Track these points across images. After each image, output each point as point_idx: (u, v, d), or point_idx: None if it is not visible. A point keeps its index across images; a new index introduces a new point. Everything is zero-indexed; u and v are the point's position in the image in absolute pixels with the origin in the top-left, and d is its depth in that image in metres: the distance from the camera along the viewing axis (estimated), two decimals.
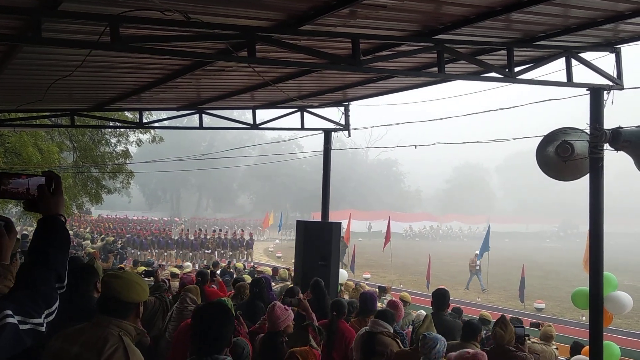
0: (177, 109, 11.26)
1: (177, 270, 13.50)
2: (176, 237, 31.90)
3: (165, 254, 29.24)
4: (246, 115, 11.40)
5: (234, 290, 9.81)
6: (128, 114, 17.12)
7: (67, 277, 2.02)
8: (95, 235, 31.10)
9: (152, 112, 16.98)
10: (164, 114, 12.47)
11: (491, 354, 5.83)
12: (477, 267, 23.23)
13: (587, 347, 6.37)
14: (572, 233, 68.67)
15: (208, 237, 31.19)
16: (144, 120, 12.96)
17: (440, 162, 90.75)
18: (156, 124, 16.16)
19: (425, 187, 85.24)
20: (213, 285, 10.01)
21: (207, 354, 3.10)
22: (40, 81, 7.53)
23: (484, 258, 20.56)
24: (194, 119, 11.69)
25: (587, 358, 6.26)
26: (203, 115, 11.27)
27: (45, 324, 1.87)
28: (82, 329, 2.84)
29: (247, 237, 31.56)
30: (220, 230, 35.05)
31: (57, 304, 1.95)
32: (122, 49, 4.59)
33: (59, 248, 1.99)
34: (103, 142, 20.14)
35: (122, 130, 20.48)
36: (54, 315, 1.94)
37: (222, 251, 29.94)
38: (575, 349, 7.02)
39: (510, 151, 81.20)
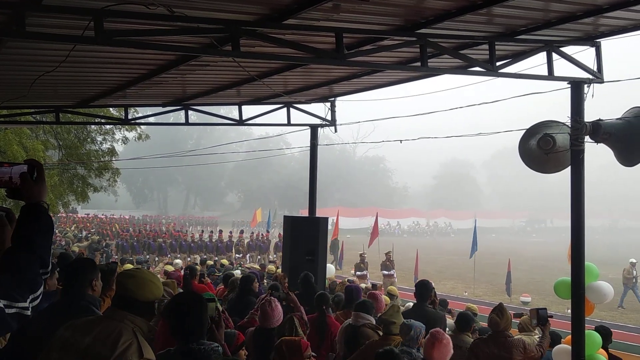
0: (163, 105, 11.23)
1: (170, 268, 13.48)
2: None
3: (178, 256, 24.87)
4: (233, 113, 11.41)
5: (222, 285, 9.87)
6: (113, 111, 17.05)
7: (63, 273, 2.05)
8: (81, 234, 30.85)
9: (138, 109, 16.92)
10: (149, 111, 12.45)
11: (488, 340, 5.97)
12: (634, 279, 19.56)
13: (569, 337, 6.48)
14: (539, 228, 69.84)
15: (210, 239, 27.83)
16: (130, 117, 12.94)
17: (428, 159, 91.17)
18: (142, 121, 16.08)
19: (412, 183, 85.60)
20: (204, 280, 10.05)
21: (187, 342, 3.12)
22: (24, 77, 7.49)
23: (469, 254, 20.74)
24: (181, 117, 11.65)
25: (570, 347, 6.38)
26: (189, 111, 11.26)
27: (30, 308, 1.91)
28: (94, 321, 2.80)
29: (247, 239, 28.39)
30: (221, 231, 32.08)
31: (41, 289, 1.98)
32: (106, 43, 4.60)
33: (43, 234, 2.03)
34: (89, 140, 20.04)
35: (108, 127, 20.39)
36: (38, 300, 1.97)
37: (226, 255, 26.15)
38: (556, 340, 7.12)
39: (496, 147, 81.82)
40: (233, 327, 5.50)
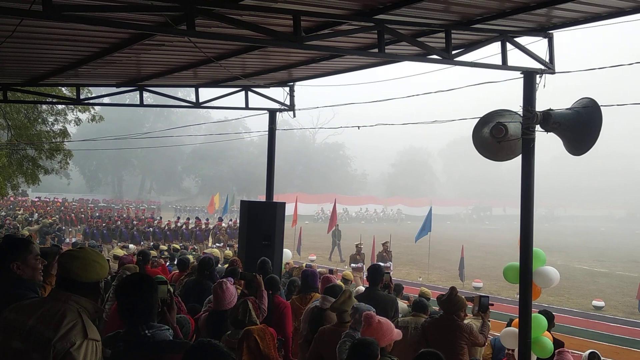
0: (117, 86, 10.94)
1: (120, 252, 13.26)
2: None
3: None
4: (191, 96, 11.22)
5: (176, 270, 9.76)
6: (65, 91, 16.51)
7: None
8: (32, 218, 29.75)
9: (92, 89, 16.44)
10: (103, 91, 12.11)
11: (437, 321, 6.10)
12: None
13: (517, 320, 6.70)
14: (484, 215, 72.11)
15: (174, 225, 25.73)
16: (83, 98, 12.56)
17: (386, 147, 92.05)
18: (95, 101, 15.64)
19: (371, 170, 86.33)
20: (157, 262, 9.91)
21: (138, 323, 3.07)
22: None
23: (424, 240, 21.08)
24: (136, 99, 11.37)
25: (517, 329, 6.59)
26: (145, 93, 11.01)
27: None
28: (38, 302, 2.77)
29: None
30: (188, 219, 30.27)
31: None
32: (54, 18, 4.43)
33: None
34: (39, 120, 19.36)
35: (59, 108, 19.74)
36: None
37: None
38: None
39: (453, 136, 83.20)
40: (185, 312, 5.46)
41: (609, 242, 41.72)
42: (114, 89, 11.17)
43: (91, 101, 16.27)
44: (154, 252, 12.54)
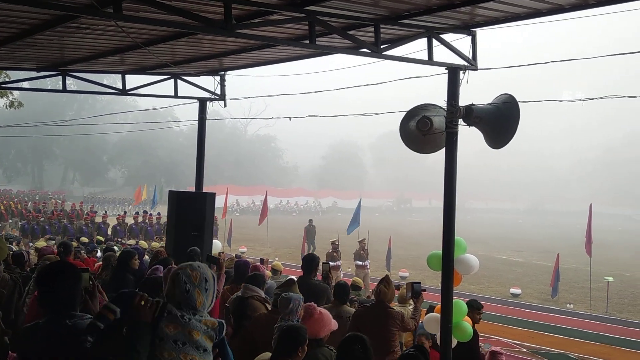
0: (38, 70, 10.42)
1: (43, 243, 12.71)
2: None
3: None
4: (118, 84, 10.85)
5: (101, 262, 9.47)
6: None
7: None
8: None
9: (10, 73, 15.57)
10: (23, 75, 11.50)
11: (370, 309, 6.25)
12: None
13: (439, 306, 6.99)
14: (405, 208, 74.69)
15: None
16: (0, 82, 11.89)
17: (317, 140, 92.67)
18: (14, 85, 14.82)
19: (302, 163, 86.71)
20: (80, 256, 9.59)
21: (59, 312, 2.99)
22: None
23: (355, 232, 21.41)
24: (59, 85, 10.87)
25: (439, 315, 6.88)
26: (68, 78, 10.55)
27: None
28: None
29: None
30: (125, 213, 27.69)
31: None
32: None
33: None
34: None
35: None
36: None
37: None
38: (428, 311, 7.67)
39: (382, 130, 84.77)
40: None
41: (524, 234, 43.94)
42: (34, 74, 10.62)
43: (9, 85, 15.39)
44: (75, 244, 12.09)
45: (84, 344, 2.94)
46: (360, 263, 17.21)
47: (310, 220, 25.86)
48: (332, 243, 17.77)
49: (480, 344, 7.54)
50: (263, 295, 5.87)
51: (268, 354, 4.02)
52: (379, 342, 5.93)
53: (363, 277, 15.02)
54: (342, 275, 14.95)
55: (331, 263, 16.01)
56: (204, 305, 2.94)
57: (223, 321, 2.96)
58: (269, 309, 5.61)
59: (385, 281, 6.36)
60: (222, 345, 2.96)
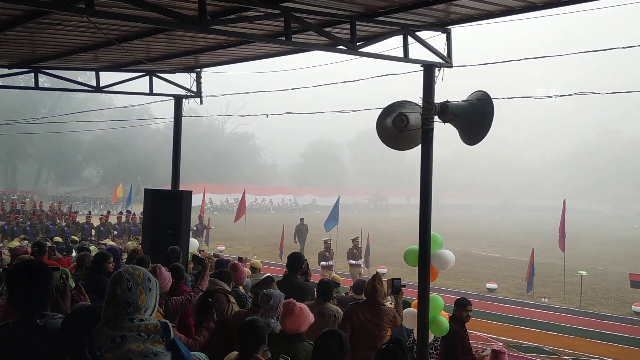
0: (9, 67, 10.23)
1: (17, 243, 12.49)
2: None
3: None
4: (92, 81, 10.70)
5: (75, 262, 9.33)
6: None
7: None
8: None
9: None
10: None
11: (363, 306, 6.27)
12: None
13: (416, 301, 7.05)
14: (380, 205, 75.42)
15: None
16: None
17: (296, 138, 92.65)
18: None
19: (281, 161, 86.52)
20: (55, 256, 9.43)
21: (30, 312, 2.93)
22: None
23: (334, 229, 21.43)
24: (31, 82, 10.69)
25: (416, 310, 6.94)
26: (40, 75, 10.38)
27: None
28: None
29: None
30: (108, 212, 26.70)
31: None
32: None
33: None
34: None
35: None
36: None
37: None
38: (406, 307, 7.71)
39: (360, 128, 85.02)
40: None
41: (500, 230, 44.44)
42: (6, 70, 10.43)
43: None
44: (49, 243, 11.89)
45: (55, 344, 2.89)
46: (353, 262, 17.09)
47: (302, 219, 25.61)
48: (325, 242, 17.41)
49: (483, 347, 7.62)
50: (227, 288, 5.88)
51: (235, 353, 4.01)
52: (371, 339, 6.01)
53: (359, 275, 14.97)
54: (334, 273, 14.70)
55: (324, 263, 16.80)
56: (146, 306, 2.72)
57: (167, 321, 2.72)
58: (232, 301, 5.63)
59: (377, 279, 6.38)
60: (174, 347, 2.75)
